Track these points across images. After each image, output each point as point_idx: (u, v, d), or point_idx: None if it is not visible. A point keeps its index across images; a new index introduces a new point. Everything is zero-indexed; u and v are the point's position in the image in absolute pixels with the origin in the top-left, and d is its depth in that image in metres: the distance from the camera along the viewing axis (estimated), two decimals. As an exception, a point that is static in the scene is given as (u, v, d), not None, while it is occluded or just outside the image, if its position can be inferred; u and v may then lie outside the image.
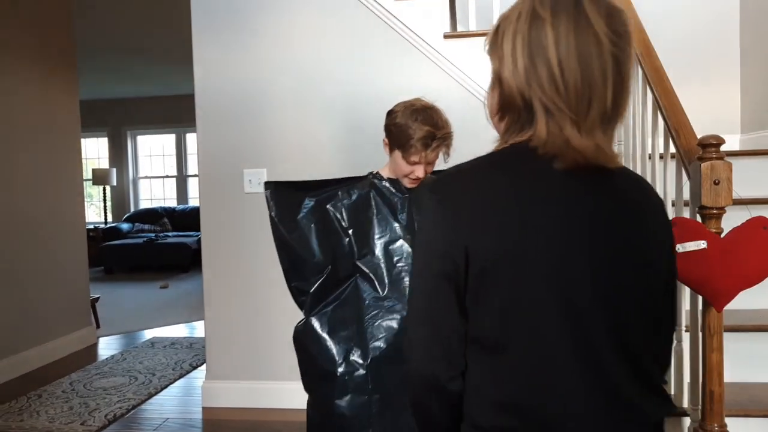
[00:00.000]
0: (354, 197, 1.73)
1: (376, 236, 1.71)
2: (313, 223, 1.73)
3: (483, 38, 2.83)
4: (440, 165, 1.88)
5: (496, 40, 0.86)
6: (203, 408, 3.11)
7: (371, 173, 1.78)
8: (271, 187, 1.77)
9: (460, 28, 3.06)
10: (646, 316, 0.85)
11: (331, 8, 2.91)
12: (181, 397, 3.32)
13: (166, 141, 9.72)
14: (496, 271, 0.79)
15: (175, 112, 8.97)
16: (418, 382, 0.87)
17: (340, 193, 1.74)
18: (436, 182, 0.86)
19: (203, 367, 3.57)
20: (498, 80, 0.85)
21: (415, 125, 1.62)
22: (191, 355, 4.03)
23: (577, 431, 0.80)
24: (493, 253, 0.79)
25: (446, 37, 2.81)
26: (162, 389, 3.41)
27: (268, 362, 3.03)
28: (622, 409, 0.82)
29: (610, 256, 0.81)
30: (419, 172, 1.66)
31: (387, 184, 1.74)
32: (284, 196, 1.76)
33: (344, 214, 1.72)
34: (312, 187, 1.78)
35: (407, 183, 1.72)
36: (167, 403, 3.24)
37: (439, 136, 1.64)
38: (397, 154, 1.67)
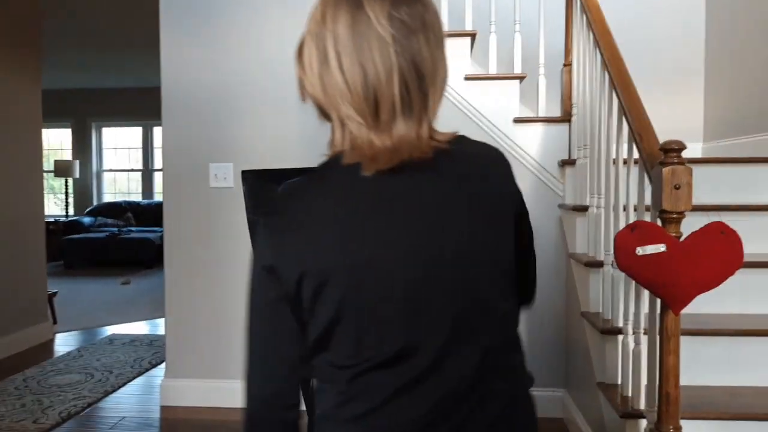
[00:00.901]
0: None
1: None
2: None
3: (454, 38, 2.81)
4: None
5: (300, 46, 0.84)
6: (162, 407, 3.05)
7: None
8: (249, 176, 1.78)
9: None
10: (497, 300, 0.85)
11: (301, 4, 2.88)
12: (139, 396, 3.24)
13: (133, 134, 9.52)
14: (329, 287, 0.77)
15: (143, 105, 8.79)
16: (254, 409, 0.85)
17: None
18: (266, 206, 0.84)
19: (163, 365, 3.49)
20: (303, 90, 0.84)
21: None
22: (151, 352, 3.94)
23: None
24: (323, 271, 0.77)
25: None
26: (119, 387, 3.33)
27: (229, 361, 2.98)
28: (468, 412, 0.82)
29: (443, 244, 0.80)
30: None
31: None
32: (259, 184, 1.77)
33: None
34: (288, 174, 1.77)
35: None
36: (124, 401, 3.16)
37: None
38: None
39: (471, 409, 0.81)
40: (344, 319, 0.78)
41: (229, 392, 2.96)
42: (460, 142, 0.87)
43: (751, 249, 2.31)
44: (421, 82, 0.79)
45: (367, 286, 0.77)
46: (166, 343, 3.06)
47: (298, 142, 2.91)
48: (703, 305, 2.18)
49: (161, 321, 4.81)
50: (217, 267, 2.97)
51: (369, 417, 0.80)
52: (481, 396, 0.82)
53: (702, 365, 2.05)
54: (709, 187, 2.49)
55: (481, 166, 0.87)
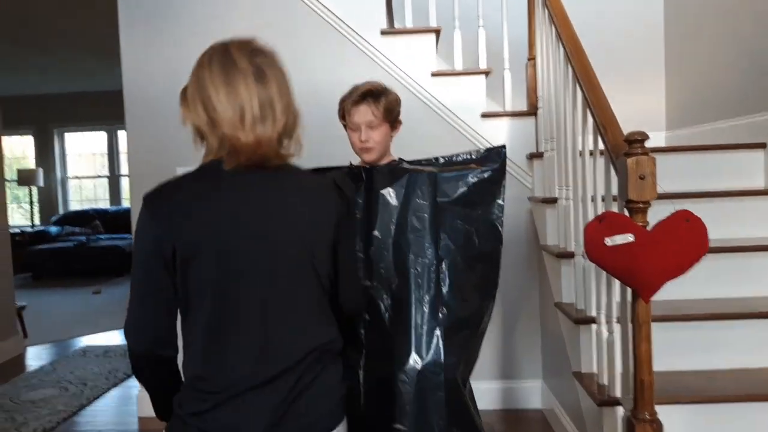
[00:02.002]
0: None
1: None
2: None
3: (419, 35, 2.85)
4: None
5: (185, 88, 1.14)
6: (140, 418, 3.00)
7: (350, 163, 1.86)
8: None
9: (396, 25, 3.06)
10: (309, 285, 1.15)
11: (266, 1, 2.85)
12: (115, 408, 3.19)
13: (97, 139, 9.32)
14: (195, 255, 1.06)
15: (105, 109, 8.58)
16: (136, 352, 1.12)
17: None
18: (147, 195, 1.10)
19: (138, 374, 3.43)
20: (185, 120, 1.13)
21: (350, 91, 1.80)
22: (126, 363, 3.87)
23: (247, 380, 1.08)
24: (191, 243, 1.05)
25: (383, 33, 2.80)
26: (95, 400, 3.27)
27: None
28: (280, 362, 1.09)
29: (273, 231, 1.10)
30: (363, 135, 1.75)
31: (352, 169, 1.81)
32: None
33: None
34: None
35: (361, 154, 1.81)
36: (101, 414, 3.11)
37: (364, 90, 1.75)
38: (348, 130, 1.81)
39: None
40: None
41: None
42: (300, 169, 1.21)
43: (714, 234, 2.36)
44: (273, 106, 1.11)
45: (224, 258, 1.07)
46: (140, 352, 3.01)
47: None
48: (672, 291, 2.21)
49: (135, 330, 4.72)
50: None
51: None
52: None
53: (675, 351, 2.09)
54: (672, 175, 2.54)
55: (313, 186, 1.20)
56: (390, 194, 1.75)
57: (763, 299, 2.25)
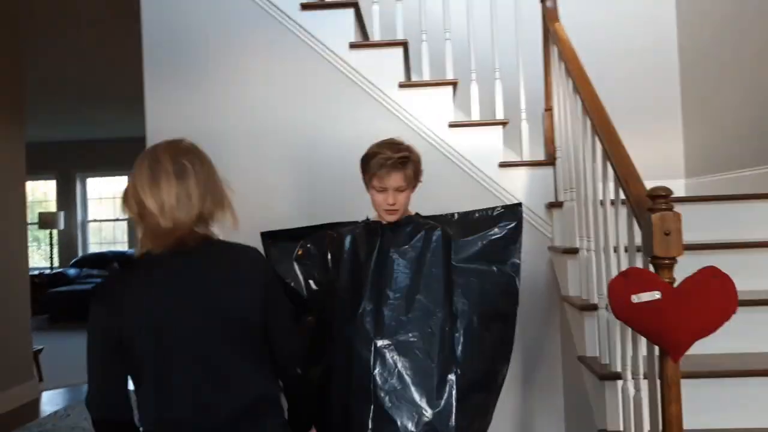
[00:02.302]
0: (347, 239, 1.82)
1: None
2: (306, 265, 1.86)
3: (436, 87, 2.88)
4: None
5: (125, 191, 1.37)
6: (152, 469, 2.94)
7: (367, 218, 1.86)
8: (268, 237, 1.93)
9: (414, 78, 3.11)
10: (240, 343, 1.34)
11: (285, 55, 2.91)
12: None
13: (117, 183, 9.48)
14: (134, 336, 1.27)
15: (127, 155, 8.75)
16: (97, 420, 1.31)
17: (334, 234, 1.85)
18: (92, 291, 1.34)
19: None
20: (127, 213, 1.37)
21: (376, 149, 1.78)
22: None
23: None
24: (129, 327, 1.27)
25: (401, 86, 2.85)
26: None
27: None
28: (221, 413, 1.29)
29: (199, 302, 1.30)
30: (390, 198, 1.76)
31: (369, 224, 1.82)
32: (280, 244, 1.90)
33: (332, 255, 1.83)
34: (307, 232, 1.93)
35: (385, 215, 1.79)
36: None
37: (397, 156, 1.75)
38: (371, 189, 1.81)
39: None
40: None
41: None
42: (221, 242, 1.43)
43: (740, 287, 2.32)
44: (189, 197, 1.33)
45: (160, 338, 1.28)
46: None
47: (283, 194, 2.90)
48: (697, 346, 2.15)
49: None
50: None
51: None
52: None
53: (701, 408, 2.02)
54: (693, 225, 2.50)
55: (236, 257, 1.41)
56: (404, 252, 1.74)
57: (794, 354, 2.18)
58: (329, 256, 1.83)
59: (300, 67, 2.91)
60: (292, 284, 1.85)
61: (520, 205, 1.82)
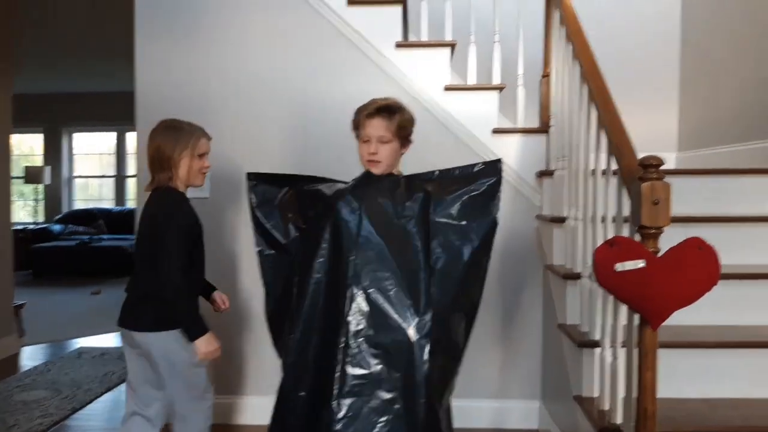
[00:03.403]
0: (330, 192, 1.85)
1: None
2: (290, 211, 1.90)
3: (434, 48, 2.84)
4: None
5: None
6: (132, 422, 2.95)
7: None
8: (253, 178, 1.97)
9: (411, 38, 3.05)
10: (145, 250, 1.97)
11: (283, 12, 2.84)
12: (108, 412, 3.14)
13: (105, 139, 9.34)
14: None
15: (116, 110, 8.59)
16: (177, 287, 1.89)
17: (320, 187, 1.89)
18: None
19: (134, 378, 3.39)
20: None
21: (367, 103, 1.84)
22: (121, 366, 3.84)
23: None
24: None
25: (398, 46, 2.79)
26: (87, 403, 3.23)
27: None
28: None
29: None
30: (372, 147, 1.79)
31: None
32: (263, 187, 1.94)
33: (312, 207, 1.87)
34: (292, 179, 1.97)
35: (368, 167, 1.83)
36: (94, 418, 3.06)
37: (381, 104, 1.80)
38: (359, 142, 1.85)
39: None
40: None
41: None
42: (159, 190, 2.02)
43: (725, 260, 2.33)
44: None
45: None
46: (136, 356, 2.98)
47: (279, 148, 2.86)
48: (676, 317, 2.17)
49: (133, 332, 4.69)
50: (190, 278, 2.89)
51: None
52: None
53: (677, 377, 2.05)
54: (682, 197, 2.50)
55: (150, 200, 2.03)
56: (384, 206, 1.76)
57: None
58: (312, 207, 1.86)
59: (297, 25, 2.84)
60: (272, 227, 1.89)
61: (499, 161, 1.82)
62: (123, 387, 3.47)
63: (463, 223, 1.75)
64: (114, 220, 8.66)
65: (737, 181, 2.65)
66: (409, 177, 1.85)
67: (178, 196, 1.98)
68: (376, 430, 1.64)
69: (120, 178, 9.29)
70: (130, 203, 9.18)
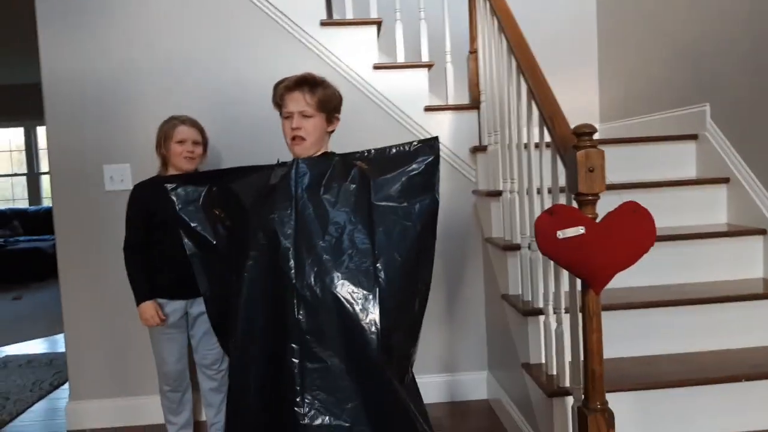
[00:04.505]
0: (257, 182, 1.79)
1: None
2: (215, 209, 1.82)
3: (360, 27, 2.79)
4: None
5: None
6: (68, 432, 2.81)
7: (278, 160, 1.80)
8: (170, 184, 1.87)
9: (336, 16, 2.98)
10: None
11: (197, -10, 2.71)
12: (42, 422, 2.97)
13: (13, 135, 8.73)
14: None
15: (22, 104, 8.03)
16: None
17: (243, 177, 1.81)
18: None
19: (66, 386, 3.22)
20: None
21: (282, 79, 1.81)
22: (51, 373, 3.63)
23: None
24: None
25: (323, 24, 2.72)
26: (19, 414, 3.04)
27: (138, 376, 2.79)
28: None
29: None
30: (295, 122, 1.74)
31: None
32: (184, 188, 1.85)
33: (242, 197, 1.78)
34: (212, 176, 1.90)
35: (292, 146, 1.77)
36: (26, 429, 2.89)
37: (300, 77, 1.75)
38: (282, 120, 1.80)
39: None
40: None
41: (141, 410, 2.78)
42: None
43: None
44: None
45: None
46: (67, 361, 2.82)
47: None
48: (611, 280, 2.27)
49: (60, 337, 4.45)
50: (117, 274, 2.72)
51: None
52: None
53: (616, 338, 2.13)
54: (609, 167, 2.58)
55: None
56: (320, 191, 1.71)
57: (699, 285, 2.34)
58: (239, 201, 1.77)
59: (216, 5, 2.72)
60: (199, 228, 1.80)
61: (436, 139, 1.79)
62: (56, 395, 3.29)
63: (405, 204, 1.71)
64: (30, 220, 8.14)
65: (658, 147, 2.79)
66: (343, 156, 1.79)
67: (137, 186, 2.36)
68: (342, 417, 1.62)
69: (33, 176, 8.72)
70: (48, 202, 8.66)
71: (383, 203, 1.70)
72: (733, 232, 2.44)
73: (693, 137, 2.77)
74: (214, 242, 1.79)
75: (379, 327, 1.63)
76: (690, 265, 2.38)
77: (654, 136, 2.89)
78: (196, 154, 2.30)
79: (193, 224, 1.81)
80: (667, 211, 2.54)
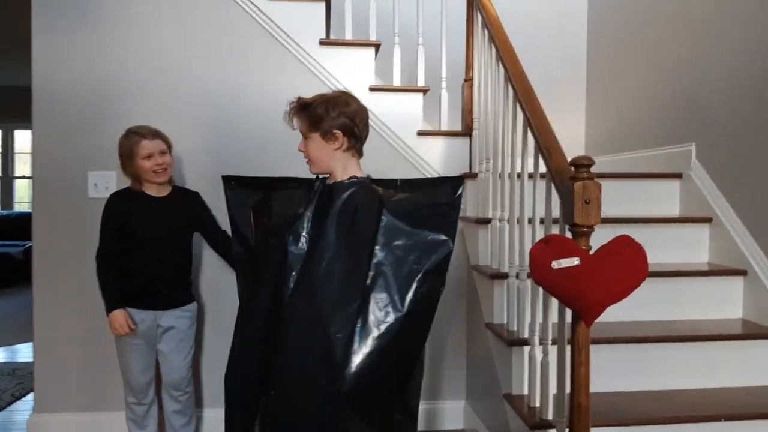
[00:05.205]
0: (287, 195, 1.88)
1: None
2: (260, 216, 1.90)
3: (358, 48, 2.80)
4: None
5: None
6: (28, 445, 2.69)
7: (317, 176, 1.88)
8: (229, 180, 1.96)
9: (335, 37, 3.00)
10: None
11: (196, 2, 2.70)
12: (0, 434, 2.85)
13: (-10, 137, 8.53)
14: None
15: (1, 106, 7.87)
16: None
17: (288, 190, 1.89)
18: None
19: (29, 397, 3.10)
20: None
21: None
22: (14, 383, 3.49)
23: None
24: None
25: (322, 43, 2.73)
26: (-24, 425, 2.91)
27: (107, 390, 2.69)
28: None
29: None
30: (301, 146, 1.83)
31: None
32: (237, 190, 1.94)
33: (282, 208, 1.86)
34: (264, 182, 1.97)
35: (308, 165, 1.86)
36: (-17, 441, 2.77)
37: (296, 104, 1.81)
38: None
39: None
40: None
41: (109, 426, 2.67)
42: None
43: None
44: None
45: None
46: (34, 372, 2.72)
47: (191, 149, 2.71)
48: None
49: (25, 346, 4.30)
50: (95, 284, 2.65)
51: None
52: None
53: (601, 372, 2.12)
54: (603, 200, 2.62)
55: None
56: (338, 213, 1.73)
57: (680, 323, 2.36)
58: (273, 209, 1.87)
59: (216, 18, 2.71)
60: (243, 228, 1.90)
61: (462, 178, 1.84)
62: (17, 406, 3.16)
63: (416, 240, 1.71)
64: (0, 225, 7.90)
65: (643, 184, 2.83)
66: (361, 183, 1.80)
67: (113, 196, 2.37)
68: None
69: (7, 180, 8.52)
70: (21, 206, 8.44)
71: (395, 242, 1.71)
72: (714, 272, 2.47)
73: (678, 176, 2.82)
74: (252, 245, 1.89)
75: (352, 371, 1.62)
76: (672, 302, 2.40)
77: (639, 172, 2.93)
78: (166, 164, 2.30)
79: (239, 224, 1.91)
80: (649, 247, 2.54)
